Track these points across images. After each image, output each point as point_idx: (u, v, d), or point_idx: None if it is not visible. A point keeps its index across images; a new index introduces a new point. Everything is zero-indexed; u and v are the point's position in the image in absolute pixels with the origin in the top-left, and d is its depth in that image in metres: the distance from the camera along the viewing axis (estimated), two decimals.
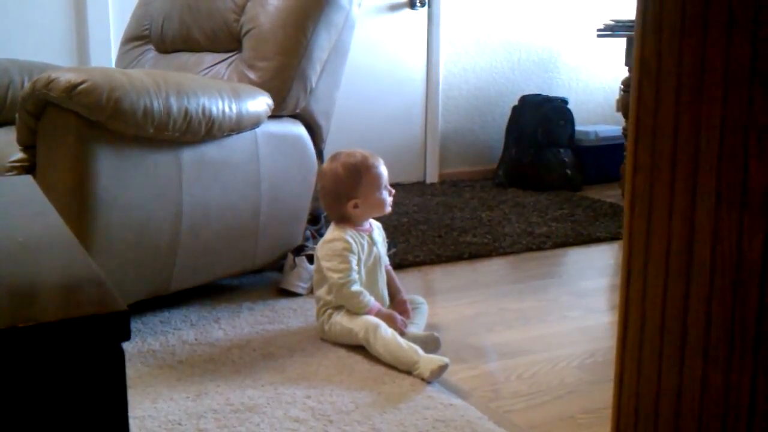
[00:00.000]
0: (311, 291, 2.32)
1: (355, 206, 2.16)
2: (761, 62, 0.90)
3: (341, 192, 2.16)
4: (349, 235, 2.15)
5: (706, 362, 1.02)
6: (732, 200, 0.94)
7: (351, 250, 2.13)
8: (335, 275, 2.12)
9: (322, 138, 2.74)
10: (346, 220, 2.19)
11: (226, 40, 2.68)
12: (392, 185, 2.25)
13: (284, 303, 2.44)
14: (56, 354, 0.63)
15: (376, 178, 2.17)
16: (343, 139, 3.54)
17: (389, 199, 2.21)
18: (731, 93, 0.93)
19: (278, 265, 2.63)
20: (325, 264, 2.15)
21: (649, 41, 1.03)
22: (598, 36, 4.25)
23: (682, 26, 0.98)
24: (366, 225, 2.22)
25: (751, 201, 0.92)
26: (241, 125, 2.31)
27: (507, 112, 4.56)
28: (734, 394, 0.98)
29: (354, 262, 2.14)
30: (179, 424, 1.68)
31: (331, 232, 2.19)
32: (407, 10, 4.41)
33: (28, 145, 2.03)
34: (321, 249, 2.18)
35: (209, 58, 2.69)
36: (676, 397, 1.07)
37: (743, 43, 0.91)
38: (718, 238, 0.96)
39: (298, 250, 2.59)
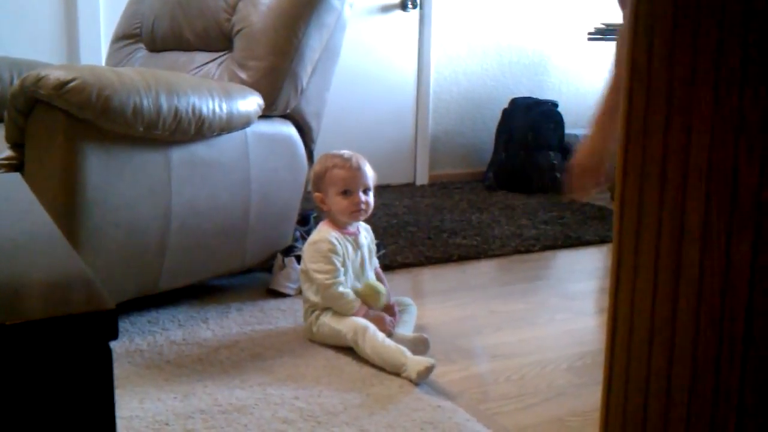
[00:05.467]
0: (300, 292, 2.32)
1: (322, 201, 2.20)
2: (752, 66, 0.90)
3: (312, 183, 2.24)
4: (334, 236, 2.15)
5: (695, 365, 1.02)
6: (722, 202, 0.94)
7: (335, 252, 2.13)
8: (321, 276, 2.12)
9: (312, 139, 2.74)
10: (329, 219, 2.20)
11: (218, 40, 2.67)
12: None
13: (273, 304, 2.44)
14: (43, 352, 0.62)
15: (335, 178, 2.17)
16: (333, 140, 3.53)
17: (359, 204, 2.16)
18: (721, 96, 0.93)
19: (267, 266, 2.62)
20: (310, 265, 2.15)
21: (641, 43, 1.03)
22: (589, 40, 4.27)
23: (674, 30, 0.99)
24: (351, 228, 2.22)
25: (741, 203, 0.92)
26: (231, 125, 2.30)
27: (497, 115, 4.57)
28: (723, 396, 0.98)
29: (339, 263, 2.13)
30: (167, 424, 1.67)
31: (317, 233, 2.20)
32: (399, 12, 4.41)
33: (16, 143, 2.01)
34: (306, 251, 2.19)
35: (200, 57, 2.68)
36: (665, 400, 1.07)
37: (734, 46, 0.91)
38: (707, 241, 0.97)
39: (288, 251, 2.58)
